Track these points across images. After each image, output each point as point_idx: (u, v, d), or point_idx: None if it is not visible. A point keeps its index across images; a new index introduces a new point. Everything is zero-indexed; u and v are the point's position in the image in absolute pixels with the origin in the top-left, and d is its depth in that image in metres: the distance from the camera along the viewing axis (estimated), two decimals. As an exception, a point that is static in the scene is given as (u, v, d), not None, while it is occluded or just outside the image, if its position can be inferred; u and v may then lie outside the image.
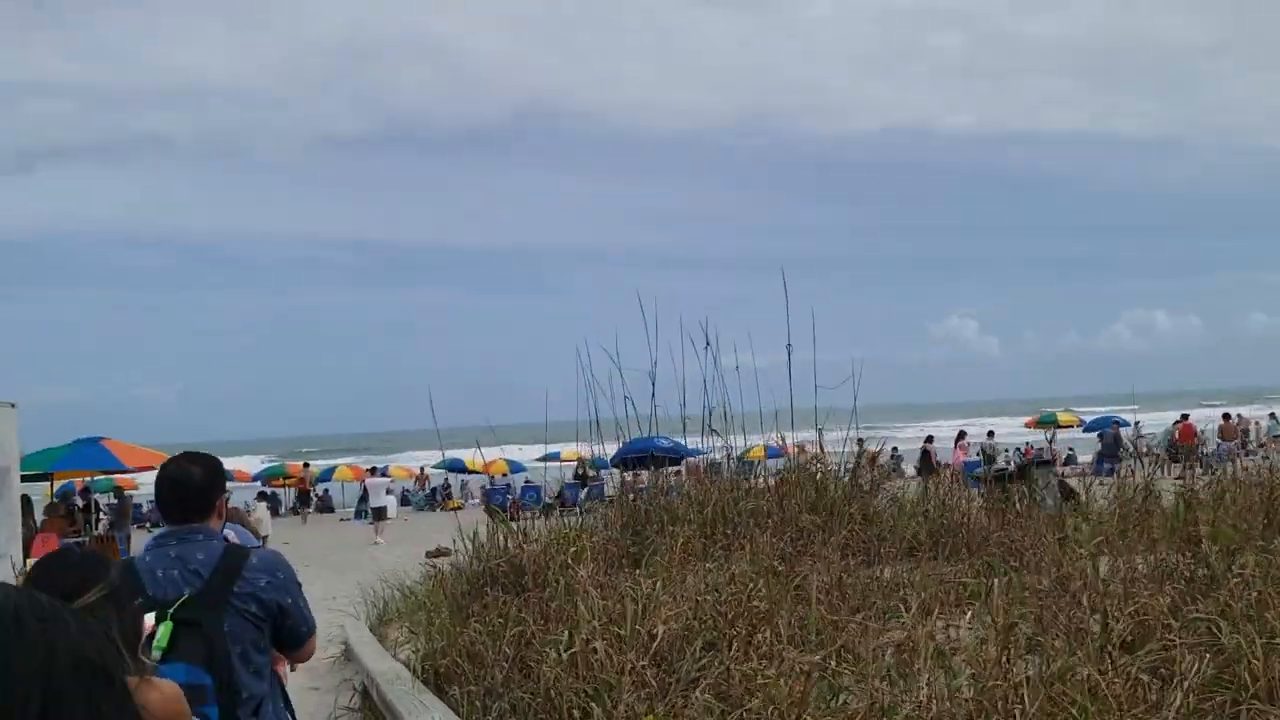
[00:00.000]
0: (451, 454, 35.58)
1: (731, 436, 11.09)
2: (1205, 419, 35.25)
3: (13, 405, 16.33)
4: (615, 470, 18.91)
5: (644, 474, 13.81)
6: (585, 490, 25.17)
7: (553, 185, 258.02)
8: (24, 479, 17.47)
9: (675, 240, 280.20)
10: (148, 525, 30.12)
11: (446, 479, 40.32)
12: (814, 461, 10.45)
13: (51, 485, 22.61)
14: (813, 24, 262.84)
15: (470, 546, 9.04)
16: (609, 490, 22.28)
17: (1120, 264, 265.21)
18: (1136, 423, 30.60)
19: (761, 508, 9.34)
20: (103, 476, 25.28)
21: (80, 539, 19.45)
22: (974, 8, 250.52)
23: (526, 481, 32.73)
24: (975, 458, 28.02)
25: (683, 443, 15.39)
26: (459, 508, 36.67)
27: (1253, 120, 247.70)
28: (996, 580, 6.89)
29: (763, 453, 14.52)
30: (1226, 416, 35.32)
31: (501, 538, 8.78)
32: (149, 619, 3.07)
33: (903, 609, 6.54)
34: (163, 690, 2.44)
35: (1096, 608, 5.90)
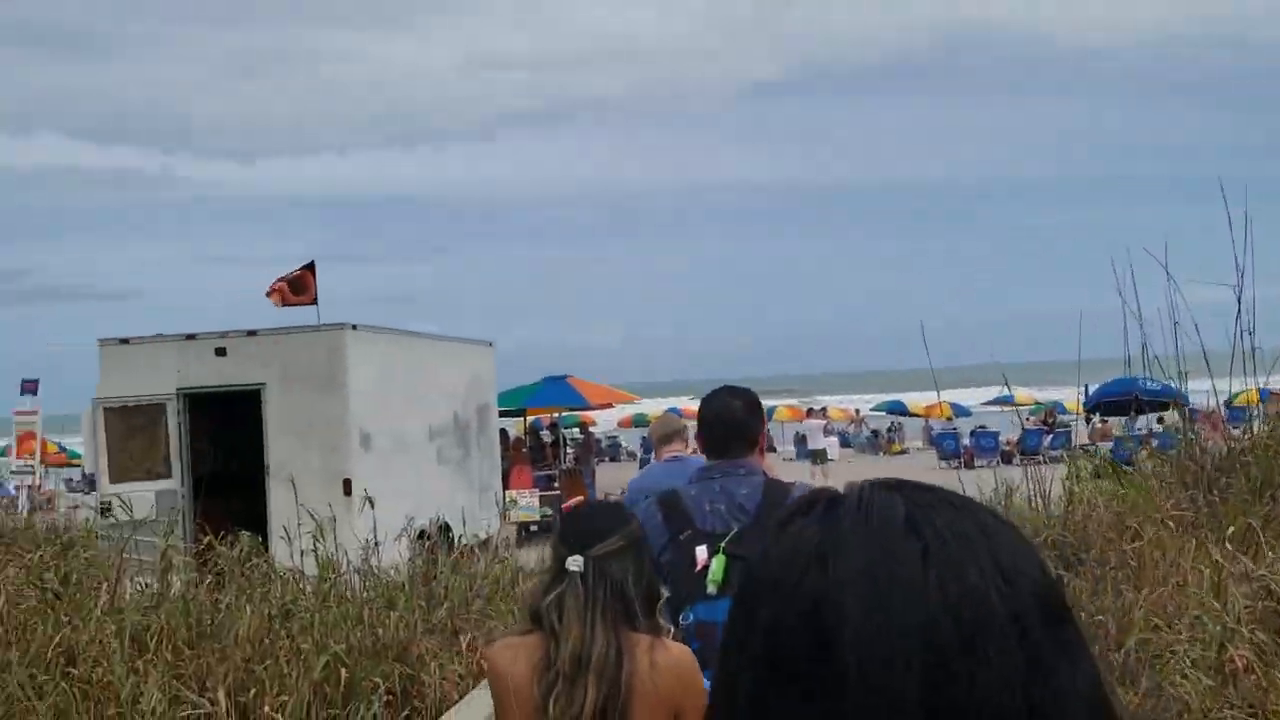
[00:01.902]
0: (893, 397, 34.14)
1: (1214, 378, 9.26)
2: None
3: (490, 344, 17.61)
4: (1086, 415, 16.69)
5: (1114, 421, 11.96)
6: (1049, 437, 22.91)
7: (979, 114, 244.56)
8: (500, 415, 18.87)
9: (1115, 166, 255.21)
10: (607, 459, 32.03)
11: (893, 423, 38.99)
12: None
13: (525, 421, 24.38)
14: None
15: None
16: (1075, 438, 19.98)
17: None
18: None
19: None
20: (569, 413, 26.93)
21: (551, 473, 20.71)
22: None
23: (981, 427, 30.47)
24: None
25: (1172, 384, 13.46)
26: (901, 451, 35.45)
27: None
28: None
29: (1255, 397, 12.28)
30: None
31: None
32: (700, 552, 3.06)
33: None
34: (673, 653, 2.37)
35: None
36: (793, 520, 0.78)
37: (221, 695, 4.35)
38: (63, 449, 33.17)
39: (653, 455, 8.48)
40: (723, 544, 3.06)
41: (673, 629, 2.71)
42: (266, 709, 4.35)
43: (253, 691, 4.50)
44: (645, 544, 2.55)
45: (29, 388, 24.53)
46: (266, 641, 4.90)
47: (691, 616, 3.00)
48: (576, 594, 2.32)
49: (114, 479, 11.95)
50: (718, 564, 3.03)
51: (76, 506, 17.44)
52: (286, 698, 4.41)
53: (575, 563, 2.35)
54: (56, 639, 4.64)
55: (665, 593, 2.66)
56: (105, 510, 10.77)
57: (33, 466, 24.54)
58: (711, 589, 2.98)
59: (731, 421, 3.40)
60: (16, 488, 25.73)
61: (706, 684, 2.32)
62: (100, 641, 4.65)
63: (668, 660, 2.33)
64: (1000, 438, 26.83)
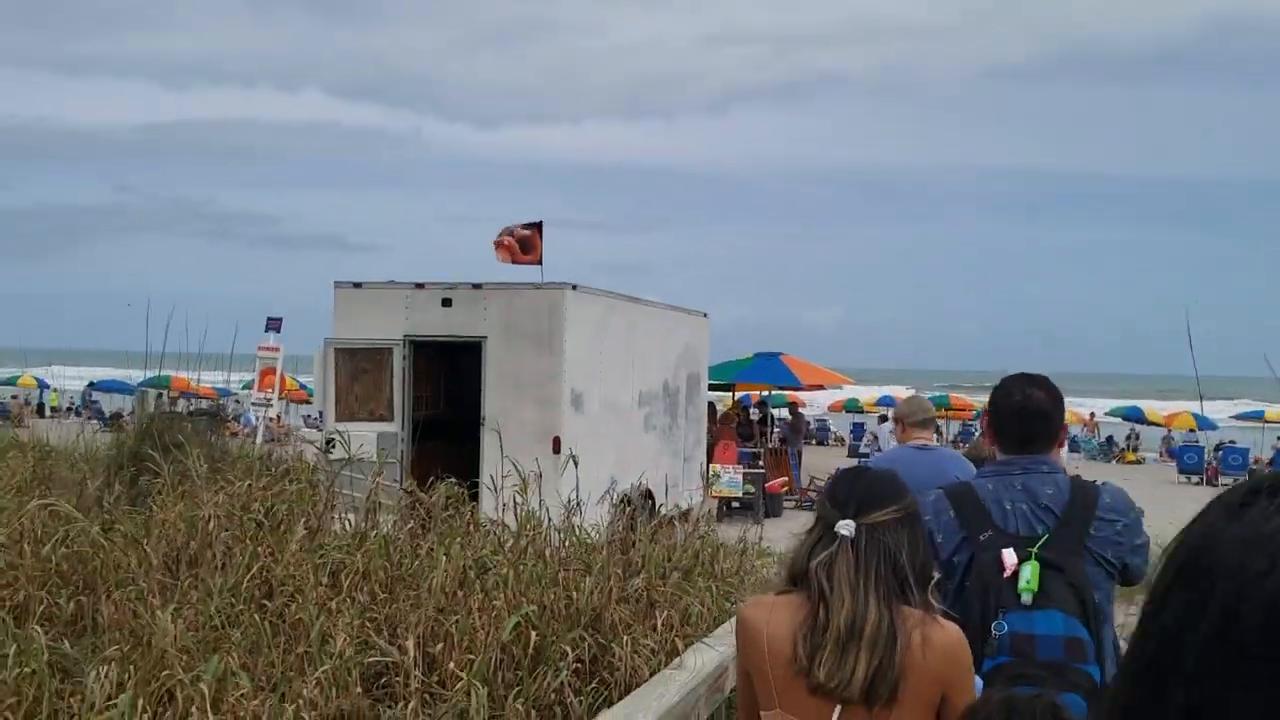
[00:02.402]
0: (1128, 403, 31.79)
1: None
2: None
3: (705, 315, 17.35)
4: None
5: None
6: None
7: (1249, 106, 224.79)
8: (709, 388, 18.63)
9: None
10: (814, 442, 31.34)
11: (1132, 430, 36.33)
12: None
13: (733, 395, 24.11)
14: None
15: None
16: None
17: None
18: None
19: None
20: (778, 391, 26.44)
21: (756, 450, 20.33)
22: None
23: (1230, 443, 27.84)
24: None
25: None
26: (1136, 461, 32.97)
27: None
28: None
29: None
30: None
31: None
32: (1008, 556, 2.80)
33: None
34: (947, 631, 2.30)
35: None
36: (1253, 502, 0.75)
37: (410, 644, 4.22)
38: (303, 385, 35.29)
39: (892, 437, 8.00)
40: (1034, 549, 2.79)
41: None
42: (452, 666, 4.19)
43: (440, 645, 4.36)
44: (920, 520, 2.41)
45: (273, 325, 26.09)
46: (460, 594, 4.77)
47: (1005, 627, 2.72)
48: (848, 559, 2.25)
49: (339, 417, 12.40)
50: (1031, 571, 2.76)
51: (311, 441, 18.46)
52: (474, 656, 4.24)
53: (847, 527, 2.27)
54: (253, 570, 4.67)
55: (936, 574, 2.47)
56: (329, 446, 11.15)
57: (271, 400, 26.24)
58: (1026, 598, 2.72)
59: (1036, 414, 3.12)
60: (257, 419, 27.61)
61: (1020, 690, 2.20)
62: (296, 576, 4.65)
63: (941, 638, 2.26)
64: (1249, 455, 24.53)
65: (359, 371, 12.73)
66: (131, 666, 3.89)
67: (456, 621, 4.42)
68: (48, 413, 44.14)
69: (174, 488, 6.36)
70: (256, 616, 4.33)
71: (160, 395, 36.39)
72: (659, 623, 5.11)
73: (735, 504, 17.41)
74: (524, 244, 14.67)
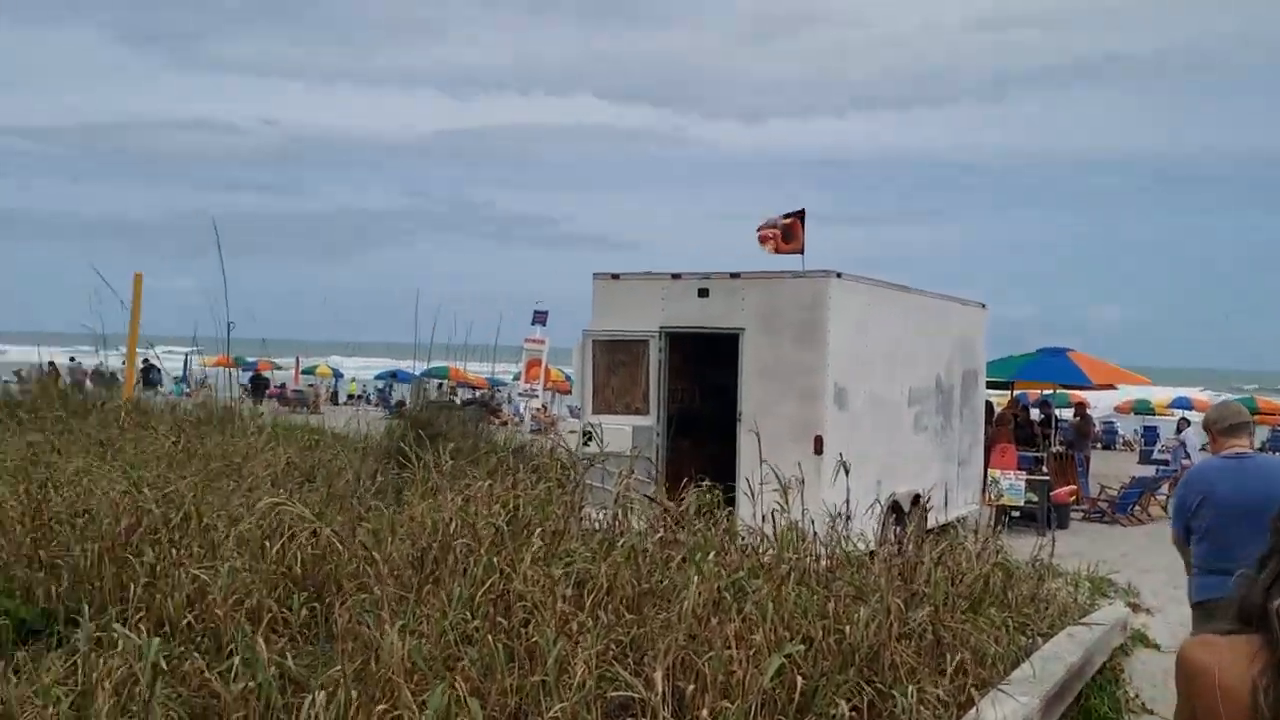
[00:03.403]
0: None
1: None
2: None
3: (983, 306, 16.01)
4: None
5: None
6: None
7: None
8: (985, 386, 17.23)
9: None
10: (1099, 446, 28.78)
11: None
12: None
13: (1011, 394, 22.39)
14: None
15: None
16: None
17: None
18: None
19: None
20: (1061, 390, 24.40)
21: (1038, 454, 18.69)
22: None
23: None
24: None
25: None
26: None
27: None
28: None
29: None
30: None
31: None
32: None
33: None
34: None
35: None
36: None
37: (659, 678, 3.65)
38: (568, 377, 36.18)
39: (1206, 447, 7.03)
40: None
41: None
42: (705, 713, 3.57)
43: (690, 686, 3.76)
44: None
45: (539, 318, 26.80)
46: (714, 621, 4.16)
47: None
48: None
49: (596, 409, 12.18)
50: None
51: (572, 432, 18.59)
52: (729, 703, 3.60)
53: None
54: (489, 582, 4.25)
55: None
56: (586, 439, 10.90)
57: (536, 390, 26.90)
58: None
59: None
60: (523, 409, 28.40)
61: None
62: (536, 590, 4.19)
63: None
64: None
65: (616, 363, 12.47)
66: (357, 687, 3.53)
67: (710, 658, 3.80)
68: (341, 400, 47.71)
69: (423, 482, 6.13)
70: (490, 637, 3.89)
71: (440, 385, 38.49)
72: (949, 667, 4.29)
73: (1015, 514, 15.98)
74: (786, 232, 14.05)
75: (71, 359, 31.16)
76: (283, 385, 46.27)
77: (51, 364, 24.23)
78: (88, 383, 22.13)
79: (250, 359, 38.21)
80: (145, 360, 28.30)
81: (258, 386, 38.08)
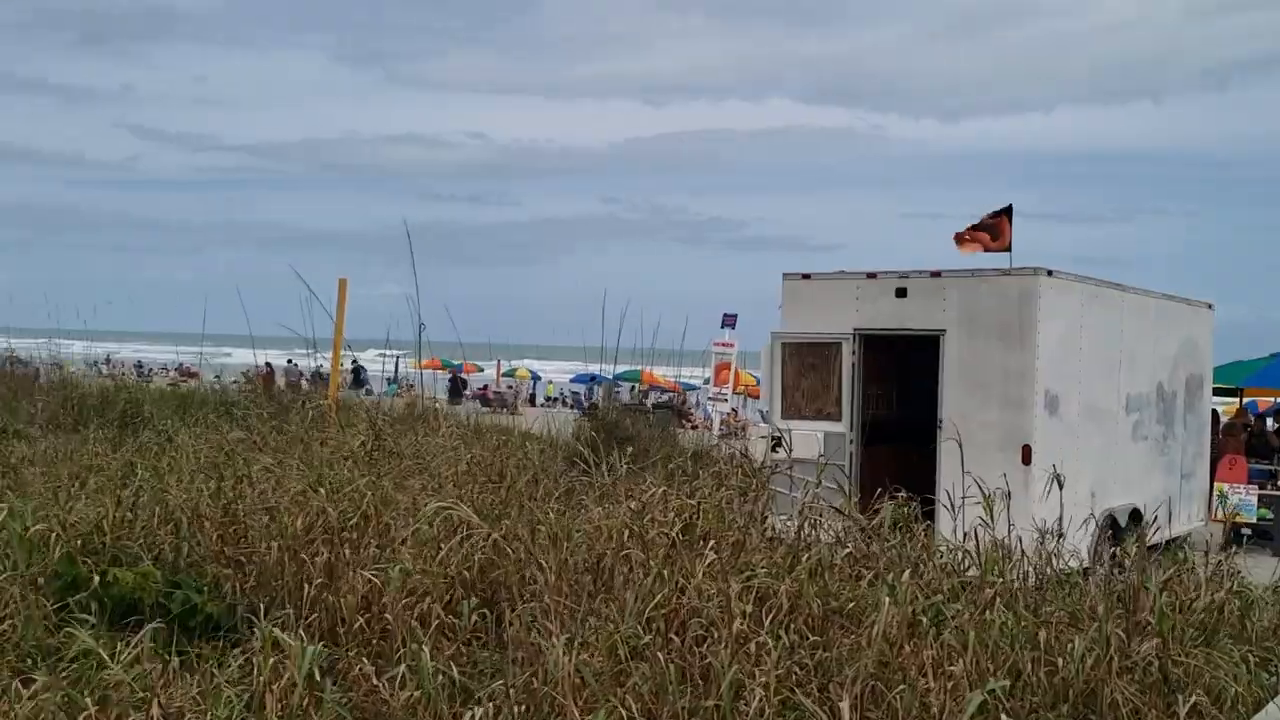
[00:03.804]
0: None
1: None
2: None
3: (1210, 306, 14.70)
4: None
5: None
6: None
7: None
8: (1212, 393, 15.86)
9: None
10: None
11: None
12: None
13: (1239, 402, 20.61)
14: None
15: None
16: None
17: None
18: None
19: None
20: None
21: (1272, 468, 17.03)
22: None
23: None
24: None
25: None
26: None
27: None
28: None
29: None
30: None
31: None
32: None
33: None
34: None
35: None
36: None
37: (845, 708, 3.32)
38: (759, 381, 35.72)
39: None
40: None
41: None
42: (896, 753, 3.23)
43: (879, 720, 3.41)
44: None
45: (728, 321, 26.57)
46: (908, 647, 3.78)
47: None
48: None
49: (785, 414, 11.83)
50: None
51: (762, 437, 18.26)
52: (923, 742, 3.25)
53: None
54: (659, 596, 4.01)
55: None
56: (776, 445, 10.56)
57: (726, 394, 26.65)
58: None
59: None
60: (712, 413, 28.20)
61: None
62: (711, 606, 3.92)
63: None
64: None
65: (806, 367, 12.06)
66: (523, 701, 3.36)
67: (903, 690, 3.44)
68: (539, 401, 48.99)
69: (600, 486, 5.98)
70: (661, 654, 3.65)
71: (633, 388, 38.91)
72: (1181, 707, 3.76)
73: (1246, 532, 14.59)
74: (991, 230, 13.29)
75: (289, 361, 33.11)
76: (484, 386, 47.85)
77: (268, 365, 25.73)
78: (303, 383, 23.37)
79: (455, 362, 39.64)
80: (354, 361, 29.73)
81: (455, 388, 39.51)
